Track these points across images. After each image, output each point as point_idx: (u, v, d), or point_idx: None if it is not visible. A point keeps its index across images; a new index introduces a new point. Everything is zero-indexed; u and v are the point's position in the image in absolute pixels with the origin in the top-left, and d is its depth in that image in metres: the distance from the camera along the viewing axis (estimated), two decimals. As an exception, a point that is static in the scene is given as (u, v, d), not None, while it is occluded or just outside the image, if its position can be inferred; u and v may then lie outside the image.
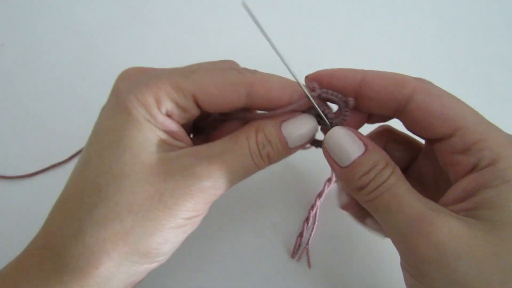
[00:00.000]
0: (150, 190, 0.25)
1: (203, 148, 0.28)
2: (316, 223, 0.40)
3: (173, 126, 0.28)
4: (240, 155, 0.28)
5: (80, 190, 0.25)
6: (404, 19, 0.57)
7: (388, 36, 0.55)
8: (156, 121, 0.26)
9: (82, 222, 0.25)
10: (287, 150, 0.29)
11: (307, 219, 0.40)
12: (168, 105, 0.27)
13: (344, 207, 0.33)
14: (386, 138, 0.33)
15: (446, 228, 0.23)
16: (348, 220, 0.41)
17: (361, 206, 0.29)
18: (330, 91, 0.29)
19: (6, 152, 0.44)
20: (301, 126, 0.29)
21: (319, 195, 0.41)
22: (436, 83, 0.51)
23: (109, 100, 0.28)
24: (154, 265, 0.28)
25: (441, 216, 0.24)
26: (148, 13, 0.55)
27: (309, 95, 0.28)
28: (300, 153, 0.44)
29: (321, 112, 0.29)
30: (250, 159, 0.28)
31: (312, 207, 0.41)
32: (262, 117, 0.30)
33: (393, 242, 0.27)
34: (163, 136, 0.27)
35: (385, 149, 0.33)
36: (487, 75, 0.53)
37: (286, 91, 0.28)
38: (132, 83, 0.27)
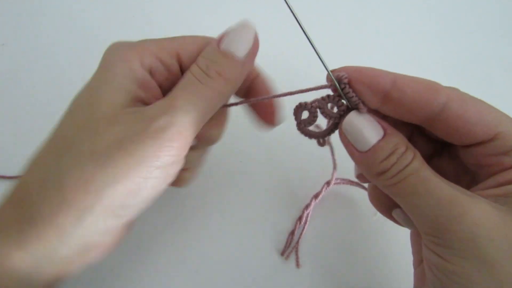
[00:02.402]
0: (110, 138, 0.25)
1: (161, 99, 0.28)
2: (307, 223, 0.40)
3: (150, 86, 0.28)
4: (188, 85, 0.27)
5: (51, 144, 0.27)
6: (404, 19, 0.57)
7: (387, 36, 0.55)
8: (135, 75, 0.27)
9: (48, 173, 0.25)
10: (237, 62, 0.29)
11: (300, 218, 0.40)
12: (152, 61, 0.28)
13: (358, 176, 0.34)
14: (413, 126, 0.32)
15: (479, 211, 0.23)
16: (341, 223, 0.42)
17: (384, 199, 0.29)
18: (351, 90, 0.28)
19: (6, 152, 0.45)
20: (239, 34, 0.29)
21: (316, 196, 0.41)
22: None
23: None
24: (120, 221, 0.27)
25: (473, 199, 0.24)
26: (148, 13, 0.55)
27: (336, 82, 0.28)
28: (300, 153, 0.45)
29: (343, 95, 0.28)
30: (200, 84, 0.27)
31: (307, 206, 0.41)
32: None
33: (418, 225, 0.26)
34: (138, 92, 0.27)
35: (410, 137, 0.32)
36: (487, 75, 0.53)
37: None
38: (116, 48, 0.29)
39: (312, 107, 0.30)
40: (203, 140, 0.32)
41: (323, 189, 0.41)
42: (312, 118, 0.30)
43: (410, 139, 0.31)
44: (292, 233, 0.40)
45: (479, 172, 0.28)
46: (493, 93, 0.51)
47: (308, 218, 0.41)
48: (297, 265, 0.39)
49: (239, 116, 0.40)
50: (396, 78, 0.27)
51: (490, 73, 0.53)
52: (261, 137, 0.45)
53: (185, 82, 0.28)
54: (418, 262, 0.31)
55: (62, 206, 0.24)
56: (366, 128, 0.27)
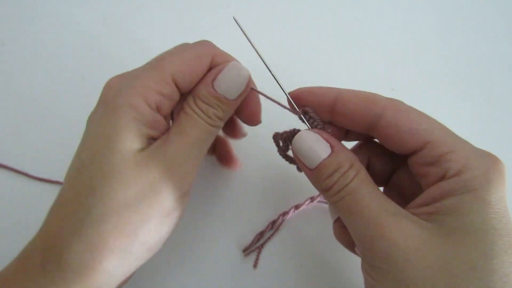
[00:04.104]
0: (140, 182, 0.27)
1: (169, 134, 0.30)
2: (279, 229, 0.40)
3: (160, 123, 0.29)
4: (194, 124, 0.30)
5: (77, 193, 0.27)
6: (404, 20, 0.56)
7: (387, 36, 0.55)
8: (146, 120, 0.28)
9: (82, 222, 0.26)
10: (231, 103, 0.31)
11: (273, 222, 0.39)
12: (156, 98, 0.29)
13: (335, 223, 0.34)
14: (369, 150, 0.34)
15: (399, 233, 0.24)
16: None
17: (347, 235, 0.30)
18: (315, 115, 0.31)
19: (5, 152, 0.45)
20: (232, 77, 0.31)
21: (296, 207, 0.40)
22: (436, 83, 0.51)
23: (97, 108, 0.30)
24: (150, 255, 0.29)
25: (396, 219, 0.25)
26: (148, 13, 0.55)
27: (295, 106, 0.32)
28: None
29: (304, 119, 0.31)
30: (205, 124, 0.30)
31: (284, 213, 0.40)
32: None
33: (356, 243, 0.28)
34: (150, 132, 0.29)
35: (368, 161, 0.34)
36: (487, 75, 0.53)
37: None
38: (119, 90, 0.29)
39: (282, 137, 0.33)
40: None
41: (306, 203, 0.40)
42: (286, 147, 0.34)
43: (373, 153, 0.34)
44: (260, 233, 0.39)
45: (421, 184, 0.29)
46: (493, 93, 0.51)
47: (282, 225, 0.40)
48: (255, 265, 0.39)
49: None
50: (339, 94, 0.30)
51: (490, 73, 0.53)
52: (260, 136, 0.45)
53: (190, 120, 0.30)
54: None
55: (104, 252, 0.25)
56: (313, 146, 0.29)
